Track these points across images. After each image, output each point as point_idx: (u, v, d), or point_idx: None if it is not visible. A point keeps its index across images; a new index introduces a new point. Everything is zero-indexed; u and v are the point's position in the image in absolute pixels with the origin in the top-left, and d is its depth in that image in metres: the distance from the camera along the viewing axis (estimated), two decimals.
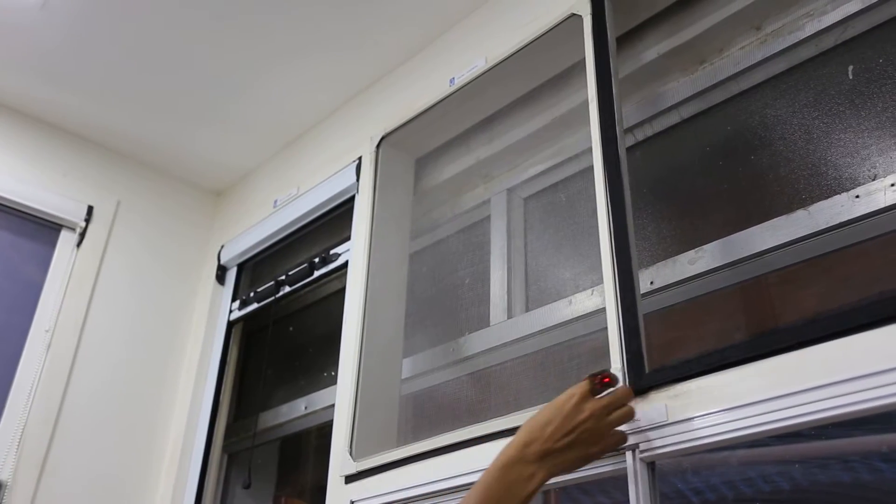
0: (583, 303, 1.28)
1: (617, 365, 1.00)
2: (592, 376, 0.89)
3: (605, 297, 1.07)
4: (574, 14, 1.30)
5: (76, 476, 1.77)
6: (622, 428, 0.93)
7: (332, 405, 1.48)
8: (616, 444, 0.91)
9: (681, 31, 1.26)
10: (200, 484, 1.80)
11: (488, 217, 1.57)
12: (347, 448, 1.36)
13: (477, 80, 1.48)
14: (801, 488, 1.02)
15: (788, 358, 0.84)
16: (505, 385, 1.37)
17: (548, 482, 0.86)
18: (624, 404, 0.90)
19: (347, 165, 1.75)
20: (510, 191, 1.55)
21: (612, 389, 0.90)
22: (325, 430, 1.72)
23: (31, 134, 1.99)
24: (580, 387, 0.87)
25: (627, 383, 0.98)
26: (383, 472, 1.27)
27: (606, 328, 1.05)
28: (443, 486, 1.15)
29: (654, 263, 1.20)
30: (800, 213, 1.04)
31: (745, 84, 1.21)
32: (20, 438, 1.71)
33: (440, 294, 1.62)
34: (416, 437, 1.28)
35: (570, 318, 1.28)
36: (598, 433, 0.87)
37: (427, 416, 1.48)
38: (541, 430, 0.84)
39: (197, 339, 2.02)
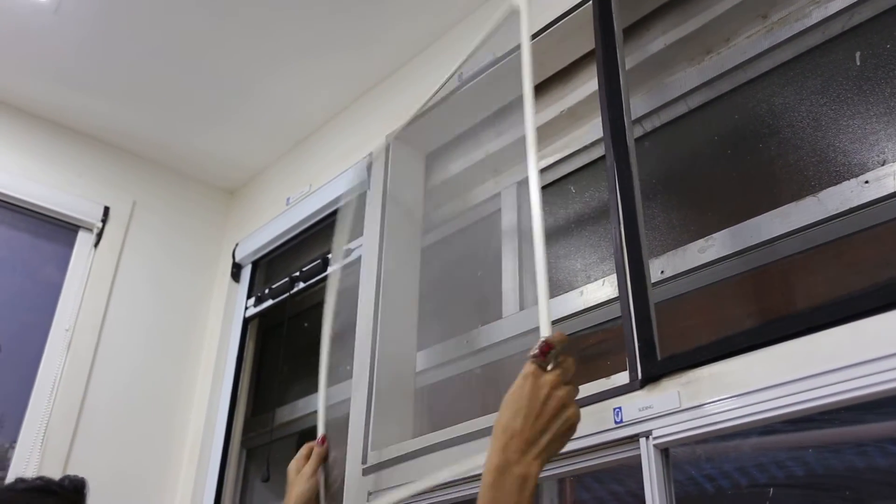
0: (594, 293, 1.28)
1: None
2: (533, 355, 0.84)
3: (616, 286, 1.08)
4: (580, 6, 1.31)
5: (99, 472, 1.79)
6: (635, 415, 0.94)
7: (349, 399, 1.50)
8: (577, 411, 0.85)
9: (687, 21, 1.26)
10: (220, 478, 1.83)
11: (499, 210, 1.58)
12: (364, 440, 1.37)
13: (485, 75, 1.49)
14: (815, 474, 1.02)
15: (799, 343, 0.84)
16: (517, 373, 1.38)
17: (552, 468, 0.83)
18: (571, 372, 0.85)
19: (358, 162, 1.76)
20: (520, 184, 1.56)
21: (554, 352, 0.84)
22: (342, 424, 1.74)
23: (46, 136, 2.02)
24: (527, 368, 0.83)
25: (640, 372, 0.99)
26: (400, 462, 1.28)
27: (618, 318, 1.05)
28: (459, 476, 1.16)
29: (665, 253, 1.20)
30: (809, 199, 1.04)
31: (752, 73, 1.21)
32: (44, 436, 1.74)
33: (453, 287, 1.63)
34: (433, 428, 1.30)
35: (582, 308, 1.29)
36: (566, 402, 0.82)
37: (442, 407, 1.50)
38: (512, 427, 0.79)
39: (214, 336, 2.05)
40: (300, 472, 1.26)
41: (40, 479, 0.91)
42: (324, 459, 1.27)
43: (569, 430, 0.82)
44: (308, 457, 1.28)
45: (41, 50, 1.83)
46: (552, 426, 0.81)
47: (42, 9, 1.71)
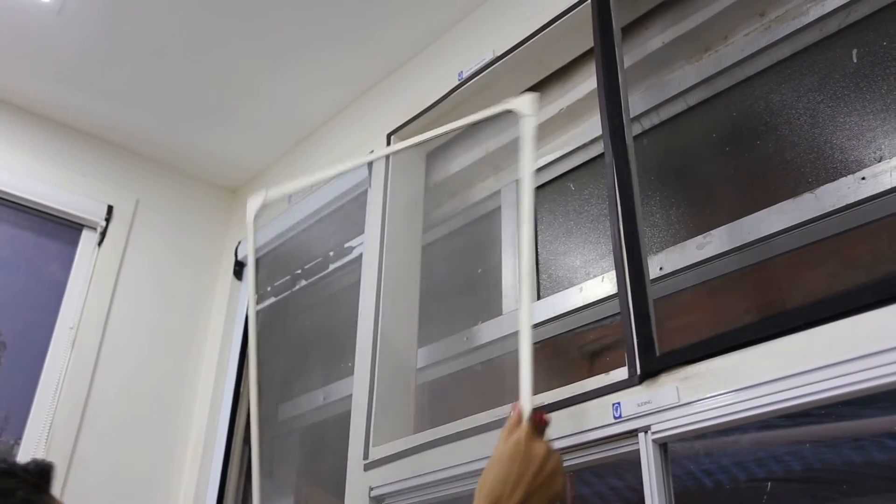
0: (593, 290, 1.29)
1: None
2: (534, 418, 0.85)
3: (615, 283, 1.09)
4: (579, 5, 1.31)
5: (104, 467, 1.82)
6: (634, 410, 0.95)
7: (350, 395, 1.51)
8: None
9: (685, 19, 1.27)
10: (223, 473, 1.84)
11: (499, 208, 1.59)
12: (365, 436, 1.38)
13: (485, 73, 1.50)
14: (812, 468, 1.03)
15: (797, 338, 0.85)
16: (518, 370, 1.39)
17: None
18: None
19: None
20: (519, 181, 1.56)
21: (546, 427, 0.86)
22: (343, 420, 1.75)
23: (50, 136, 2.04)
24: (524, 431, 0.83)
25: (639, 367, 1.00)
26: (401, 458, 1.29)
27: (617, 314, 1.06)
28: (460, 472, 1.18)
29: (664, 249, 1.21)
30: (806, 196, 1.05)
31: (750, 70, 1.22)
32: (48, 432, 1.76)
33: (453, 284, 1.65)
34: (434, 424, 1.31)
35: (582, 304, 1.30)
36: (555, 471, 0.82)
37: (443, 403, 1.51)
38: (502, 488, 0.78)
39: (216, 333, 2.07)
40: None
41: (4, 461, 0.91)
42: None
43: (552, 499, 0.81)
44: None
45: (45, 50, 1.85)
46: (540, 494, 0.80)
47: (46, 9, 1.72)
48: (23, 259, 1.91)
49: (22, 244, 1.92)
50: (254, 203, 1.33)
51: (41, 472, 0.88)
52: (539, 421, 0.85)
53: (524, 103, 1.06)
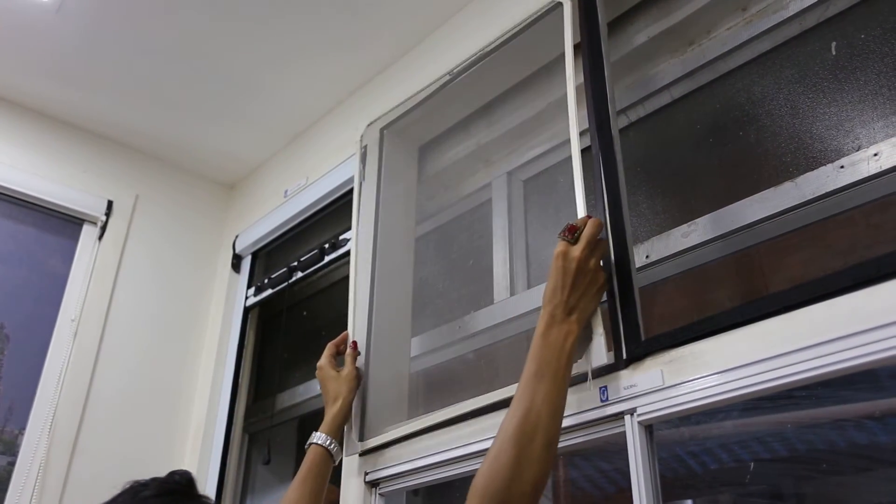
0: None
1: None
2: (562, 234, 1.01)
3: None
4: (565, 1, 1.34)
5: (105, 457, 1.85)
6: (620, 393, 0.97)
7: None
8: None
9: (669, 14, 1.29)
10: (223, 462, 1.87)
11: (490, 200, 1.62)
12: (360, 423, 1.41)
13: (474, 68, 1.51)
14: (795, 449, 1.06)
15: (777, 321, 0.87)
16: (509, 358, 1.42)
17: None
18: (597, 233, 1.02)
19: (353, 155, 1.79)
20: (510, 174, 1.59)
21: (579, 232, 1.01)
22: None
23: (51, 133, 2.06)
24: (558, 247, 1.00)
25: (624, 352, 1.02)
26: (395, 445, 1.32)
27: (603, 301, 1.08)
28: (452, 455, 1.20)
29: (649, 238, 1.24)
30: (787, 184, 1.08)
31: (732, 63, 1.25)
32: (52, 423, 1.79)
33: (446, 275, 1.67)
34: (427, 410, 1.33)
35: None
36: (594, 269, 1.00)
37: (436, 390, 1.53)
38: (553, 297, 0.98)
39: (215, 325, 2.10)
40: (342, 375, 1.35)
41: (154, 480, 0.92)
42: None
43: (599, 290, 1.02)
44: (334, 356, 1.38)
45: (44, 48, 1.87)
46: (587, 292, 1.00)
47: (44, 8, 1.75)
48: (25, 253, 1.94)
49: (24, 239, 1.95)
50: None
51: (190, 482, 0.90)
52: (569, 233, 1.01)
53: None
